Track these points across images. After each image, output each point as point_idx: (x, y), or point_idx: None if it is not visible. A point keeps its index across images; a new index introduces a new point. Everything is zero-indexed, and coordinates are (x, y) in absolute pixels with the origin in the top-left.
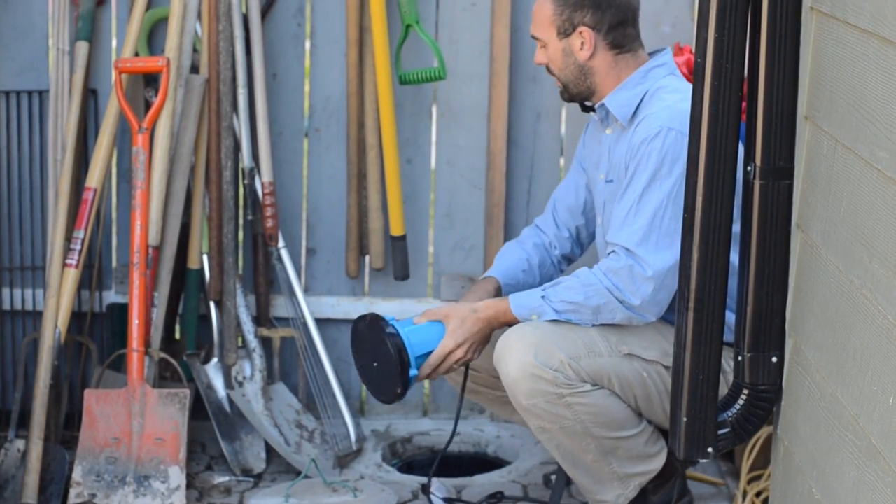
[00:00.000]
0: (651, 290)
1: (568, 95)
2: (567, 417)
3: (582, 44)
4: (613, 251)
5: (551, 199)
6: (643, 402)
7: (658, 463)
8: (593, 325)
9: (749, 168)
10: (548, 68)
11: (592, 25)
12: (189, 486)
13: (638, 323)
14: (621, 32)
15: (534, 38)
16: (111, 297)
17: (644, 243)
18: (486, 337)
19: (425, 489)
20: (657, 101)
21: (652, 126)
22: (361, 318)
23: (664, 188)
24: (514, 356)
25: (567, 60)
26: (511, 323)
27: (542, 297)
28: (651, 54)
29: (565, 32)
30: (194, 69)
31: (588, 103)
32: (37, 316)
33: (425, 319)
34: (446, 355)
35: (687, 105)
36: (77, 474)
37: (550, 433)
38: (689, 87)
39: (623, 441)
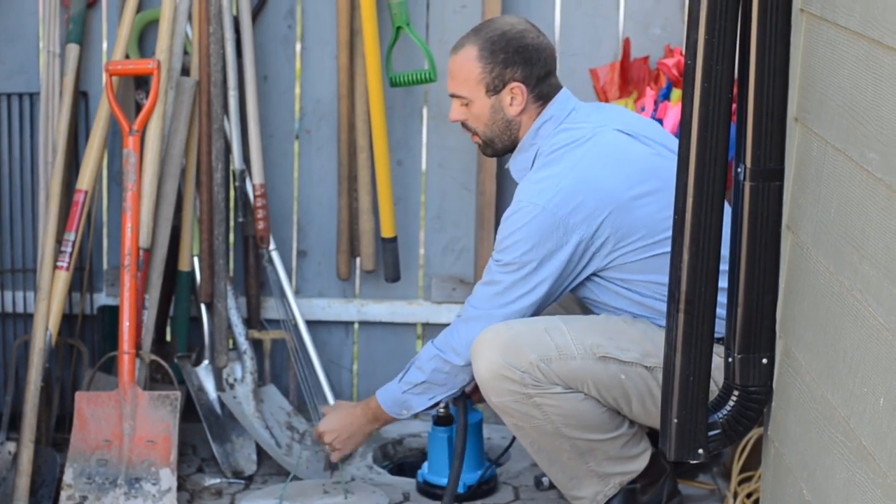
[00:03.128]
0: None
1: (492, 151)
2: (538, 417)
3: (512, 99)
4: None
5: None
6: (624, 404)
7: (639, 464)
8: (567, 328)
9: (739, 170)
10: (464, 125)
11: (523, 80)
12: (180, 488)
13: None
14: (547, 83)
15: (454, 95)
16: (102, 299)
17: (478, 310)
18: (361, 434)
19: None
20: (537, 166)
21: (518, 197)
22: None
23: (512, 271)
24: (484, 355)
25: (495, 116)
26: (388, 420)
27: (403, 391)
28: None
29: (495, 89)
30: (185, 71)
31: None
32: (27, 318)
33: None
34: (319, 435)
35: (558, 170)
36: (68, 477)
37: (524, 431)
38: (576, 139)
39: (599, 443)
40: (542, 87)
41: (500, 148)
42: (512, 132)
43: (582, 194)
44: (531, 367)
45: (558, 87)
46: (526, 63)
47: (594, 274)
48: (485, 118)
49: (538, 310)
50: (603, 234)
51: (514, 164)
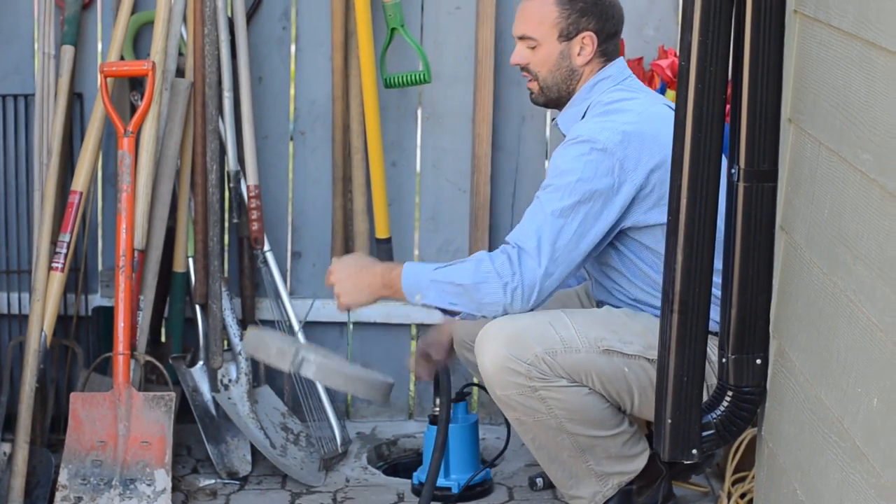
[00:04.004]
0: (529, 284)
1: (544, 99)
2: (541, 411)
3: (581, 49)
4: (507, 241)
5: None
6: (627, 398)
7: (639, 464)
8: (571, 321)
9: (733, 170)
10: (525, 68)
11: (595, 31)
12: (175, 488)
13: (511, 311)
14: (614, 43)
15: (523, 37)
16: (97, 300)
17: (531, 236)
18: (370, 290)
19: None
20: (592, 115)
21: (576, 133)
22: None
23: (562, 197)
24: (489, 348)
25: (561, 63)
26: (397, 292)
27: (433, 279)
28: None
29: (567, 36)
30: (180, 73)
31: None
32: (22, 319)
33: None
34: (329, 272)
35: (619, 118)
36: (63, 477)
37: (526, 425)
38: (633, 97)
39: (600, 440)
40: (609, 44)
41: (553, 97)
42: (572, 83)
43: (640, 141)
44: (537, 359)
45: (618, 53)
46: (600, 16)
47: (628, 230)
48: (550, 63)
49: (577, 250)
50: (650, 184)
51: (564, 116)
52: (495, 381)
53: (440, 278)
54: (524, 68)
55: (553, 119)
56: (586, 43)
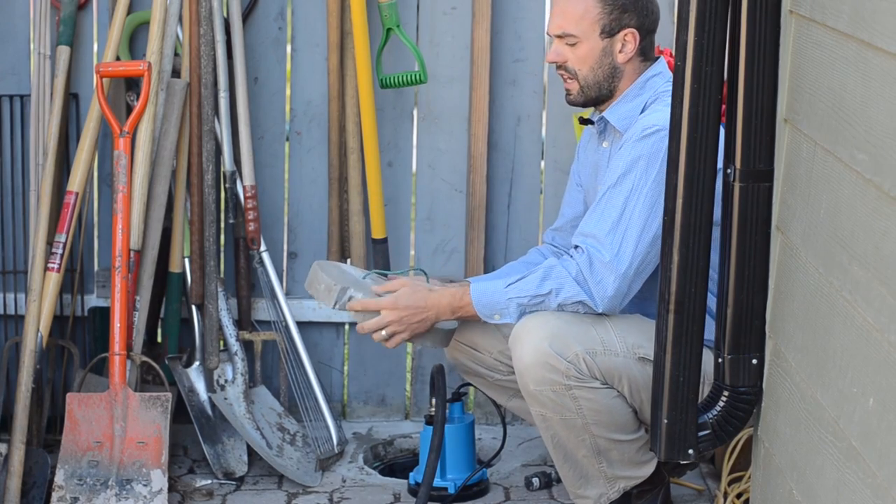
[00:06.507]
0: (611, 281)
1: (583, 99)
2: (570, 409)
3: (623, 46)
4: (578, 244)
5: (562, 219)
6: (647, 407)
7: (647, 470)
8: (611, 324)
9: (729, 171)
10: (562, 66)
11: (637, 28)
12: (171, 489)
13: (591, 311)
14: (651, 41)
15: (562, 35)
16: (93, 300)
17: (610, 233)
18: (428, 322)
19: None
20: (659, 104)
21: (647, 123)
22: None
23: (639, 182)
24: (530, 341)
25: (603, 60)
26: (469, 317)
27: (509, 297)
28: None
29: (610, 32)
30: (176, 73)
31: (586, 117)
32: (19, 320)
33: (381, 290)
34: (384, 324)
35: None
36: (59, 478)
37: (550, 422)
38: None
39: (618, 444)
40: (647, 42)
41: (593, 96)
42: (615, 80)
43: None
44: (577, 358)
45: (654, 50)
46: (641, 13)
47: None
48: (591, 61)
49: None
50: None
51: (617, 112)
52: (531, 374)
53: (517, 294)
54: (562, 67)
55: (584, 116)
56: (628, 40)
